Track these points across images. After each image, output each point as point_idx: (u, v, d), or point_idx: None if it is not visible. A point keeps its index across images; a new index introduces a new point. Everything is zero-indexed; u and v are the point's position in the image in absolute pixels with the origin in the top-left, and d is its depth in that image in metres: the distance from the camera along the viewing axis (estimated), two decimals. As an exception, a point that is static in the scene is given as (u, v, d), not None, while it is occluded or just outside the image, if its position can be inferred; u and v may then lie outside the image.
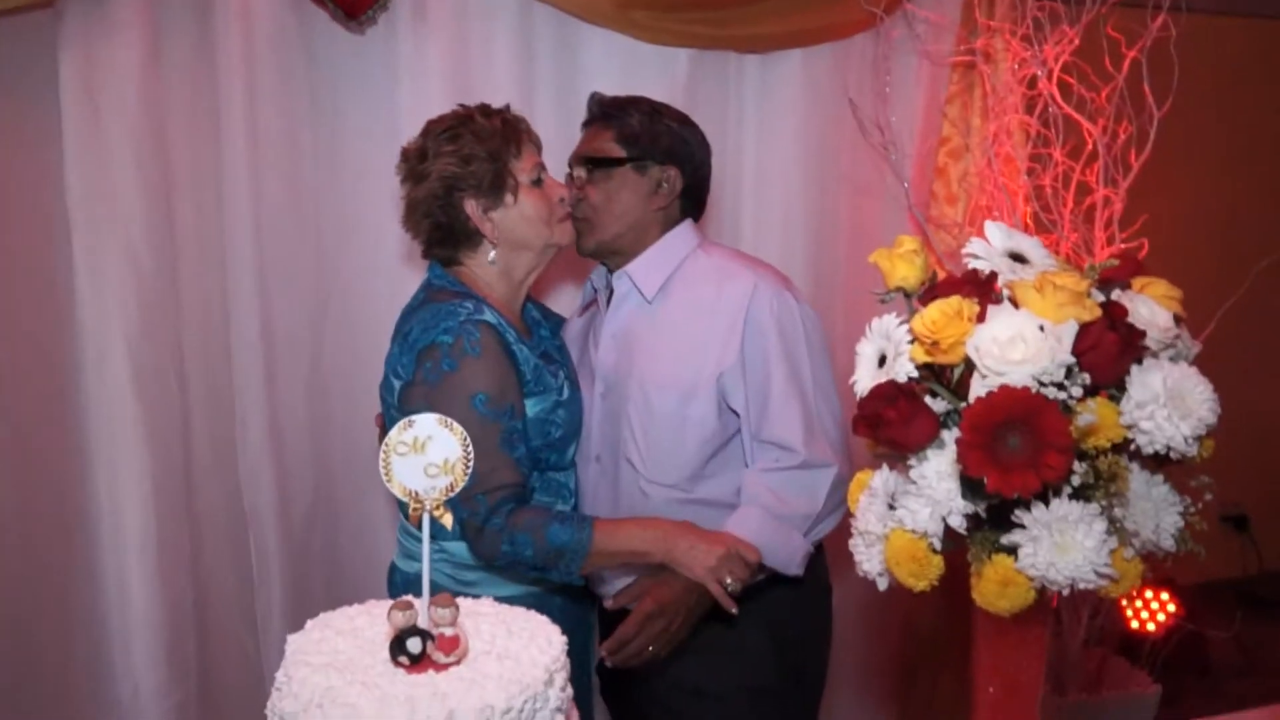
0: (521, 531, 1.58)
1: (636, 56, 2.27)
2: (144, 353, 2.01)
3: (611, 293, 1.84)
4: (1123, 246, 2.39)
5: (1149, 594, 3.09)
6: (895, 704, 2.68)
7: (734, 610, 1.63)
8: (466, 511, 1.59)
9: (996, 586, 1.04)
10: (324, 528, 2.29)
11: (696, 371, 1.73)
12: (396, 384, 1.67)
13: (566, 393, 1.76)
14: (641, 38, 2.25)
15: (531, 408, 1.69)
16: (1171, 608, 3.05)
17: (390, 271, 2.19)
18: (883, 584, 1.15)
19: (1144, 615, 3.07)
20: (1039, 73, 2.30)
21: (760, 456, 1.74)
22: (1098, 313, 1.02)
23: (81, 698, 2.06)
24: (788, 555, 1.70)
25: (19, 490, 1.99)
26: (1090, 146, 2.36)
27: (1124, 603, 3.06)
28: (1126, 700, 2.61)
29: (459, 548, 1.70)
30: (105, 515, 2.03)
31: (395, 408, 1.69)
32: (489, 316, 1.65)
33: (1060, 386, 0.99)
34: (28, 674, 2.01)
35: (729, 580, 1.62)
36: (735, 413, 1.74)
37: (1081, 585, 1.01)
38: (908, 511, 1.08)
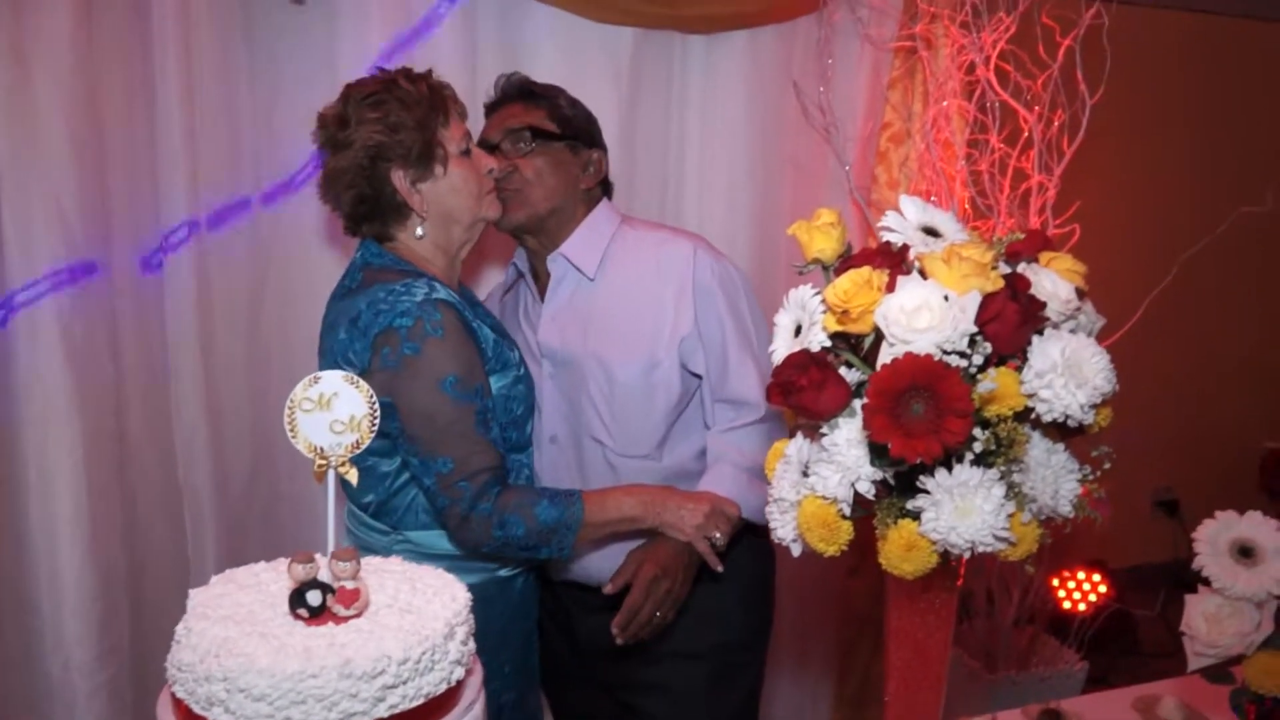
0: (511, 513, 1.55)
1: (581, 34, 2.27)
2: (74, 320, 1.97)
3: (536, 275, 1.87)
4: (1056, 232, 2.44)
5: (1081, 575, 3.17)
6: (832, 678, 2.72)
7: (719, 568, 1.68)
8: (448, 500, 1.54)
9: (901, 550, 1.06)
10: (262, 503, 2.28)
11: (655, 338, 1.76)
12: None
13: (523, 368, 1.75)
14: (586, 14, 2.24)
15: (495, 384, 1.65)
16: (1103, 589, 3.14)
17: (331, 242, 2.18)
18: (796, 550, 1.18)
19: (1076, 596, 3.15)
20: (976, 59, 2.33)
21: (720, 417, 1.80)
22: (1000, 284, 1.05)
23: (10, 671, 2.03)
24: (761, 505, 1.70)
25: (-56, 460, 1.96)
26: (1026, 133, 2.41)
27: (1056, 583, 3.14)
28: (1054, 676, 2.68)
29: (423, 536, 1.66)
30: (34, 486, 1.98)
31: None
32: (446, 295, 1.57)
33: (963, 355, 1.02)
34: (-48, 646, 1.99)
35: (716, 536, 1.67)
36: (695, 375, 1.79)
37: (981, 548, 1.04)
38: (819, 478, 1.11)
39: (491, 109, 1.90)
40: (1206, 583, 1.30)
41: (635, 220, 1.93)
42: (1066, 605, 3.10)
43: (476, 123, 1.92)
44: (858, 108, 2.52)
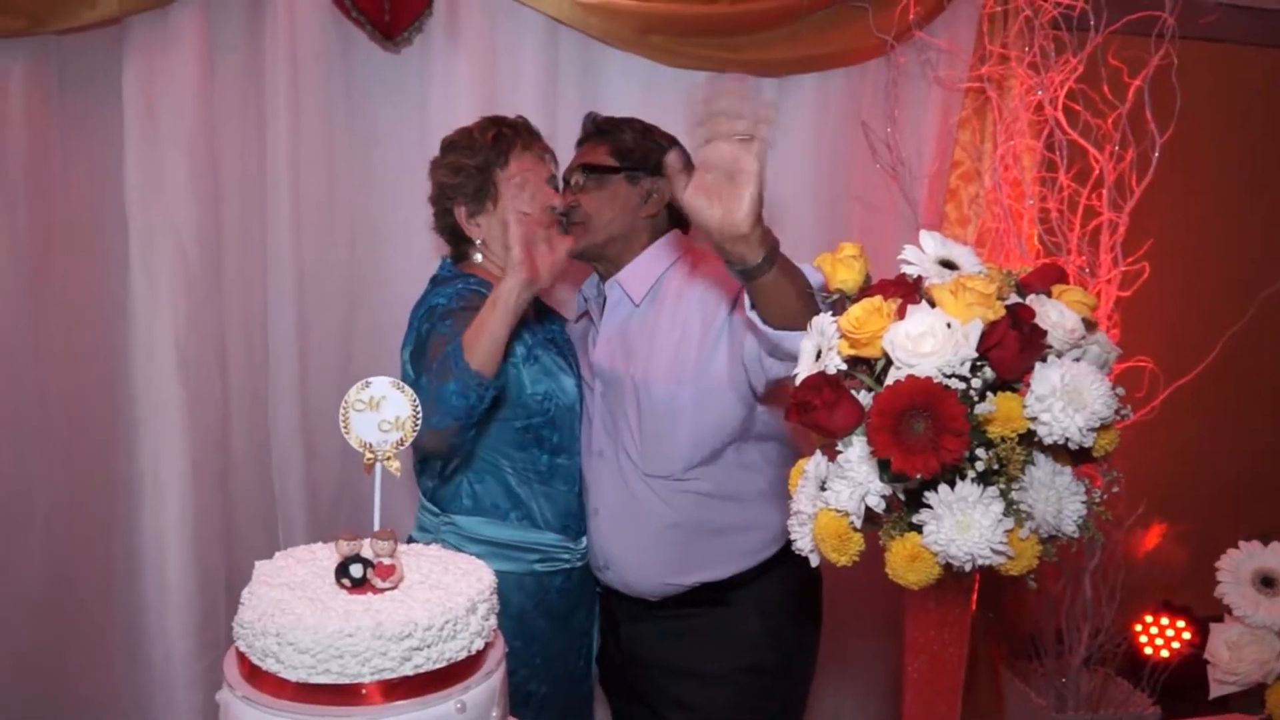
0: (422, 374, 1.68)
1: (656, 78, 2.40)
2: (189, 343, 2.19)
3: (604, 300, 1.97)
4: (1127, 269, 2.44)
5: (1165, 620, 3.10)
6: (888, 696, 2.73)
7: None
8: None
9: (905, 561, 1.12)
10: (349, 514, 2.44)
11: (683, 362, 1.82)
12: (403, 357, 1.80)
13: (561, 374, 1.88)
14: (660, 61, 2.38)
15: (528, 376, 1.81)
16: (1186, 635, 3.06)
17: (418, 273, 2.31)
18: (814, 560, 1.24)
19: (1158, 642, 3.07)
20: (1044, 100, 2.37)
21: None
22: (1003, 313, 1.11)
23: (118, 657, 2.24)
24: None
25: (72, 463, 2.18)
26: (1097, 171, 2.42)
27: (1138, 628, 3.08)
28: (1125, 719, 2.63)
29: (466, 521, 1.83)
30: (148, 491, 2.20)
31: None
32: (486, 290, 1.75)
33: (962, 379, 1.08)
34: (70, 632, 2.19)
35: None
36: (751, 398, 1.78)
37: (980, 561, 1.09)
38: (833, 492, 1.18)
39: (577, 146, 2.04)
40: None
41: (707, 253, 1.92)
42: (1148, 651, 3.03)
43: (560, 161, 2.05)
44: (926, 147, 2.58)
